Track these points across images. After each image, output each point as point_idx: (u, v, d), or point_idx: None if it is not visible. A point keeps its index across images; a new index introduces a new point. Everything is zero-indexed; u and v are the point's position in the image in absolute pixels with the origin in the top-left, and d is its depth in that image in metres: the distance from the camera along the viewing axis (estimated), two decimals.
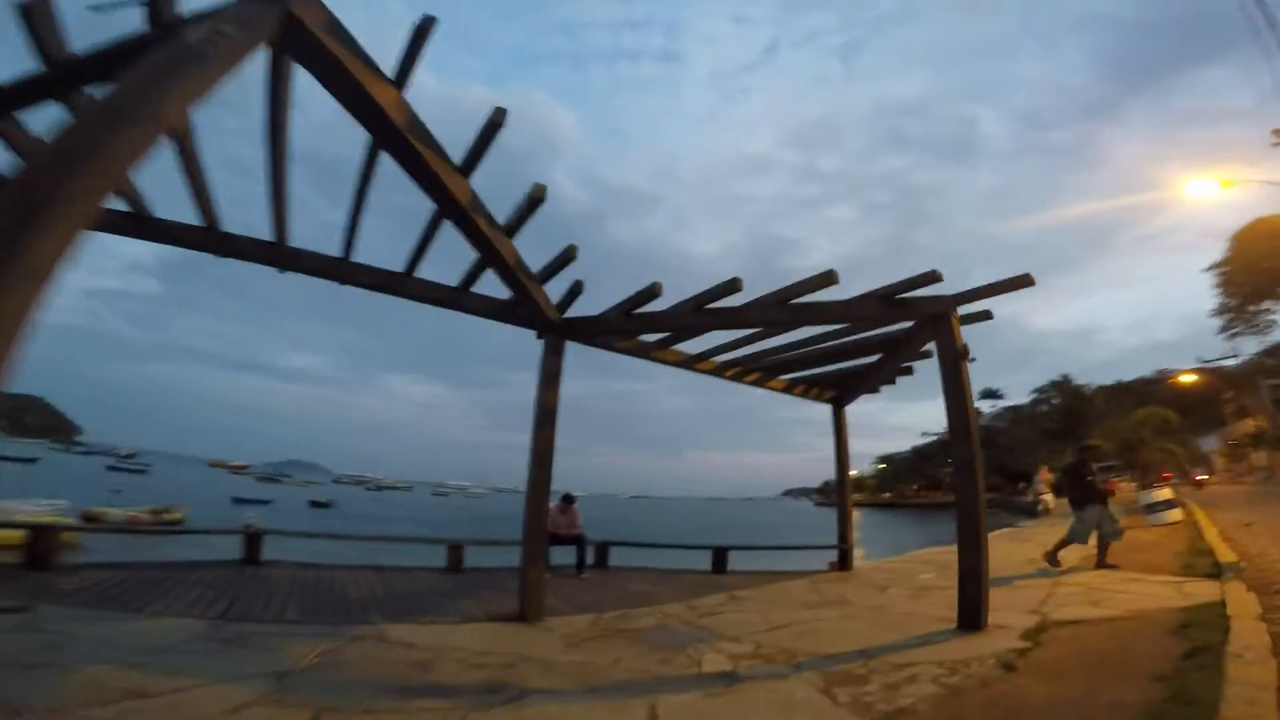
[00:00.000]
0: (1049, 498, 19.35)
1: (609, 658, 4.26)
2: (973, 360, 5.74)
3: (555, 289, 5.91)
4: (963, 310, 5.81)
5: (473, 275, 5.52)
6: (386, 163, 3.69)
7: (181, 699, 3.13)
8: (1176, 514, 12.87)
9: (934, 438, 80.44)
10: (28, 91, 3.15)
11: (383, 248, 5.45)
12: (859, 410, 8.67)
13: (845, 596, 6.56)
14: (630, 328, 6.61)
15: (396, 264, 5.45)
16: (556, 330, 6.13)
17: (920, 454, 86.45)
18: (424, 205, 4.45)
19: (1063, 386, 56.84)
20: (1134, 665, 3.67)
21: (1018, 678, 3.63)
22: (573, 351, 6.32)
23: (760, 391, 8.94)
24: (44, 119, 3.44)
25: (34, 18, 2.90)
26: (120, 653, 3.79)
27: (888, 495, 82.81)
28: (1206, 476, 34.35)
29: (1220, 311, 46.36)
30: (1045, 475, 20.87)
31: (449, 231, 4.59)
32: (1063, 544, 7.99)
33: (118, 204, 4.63)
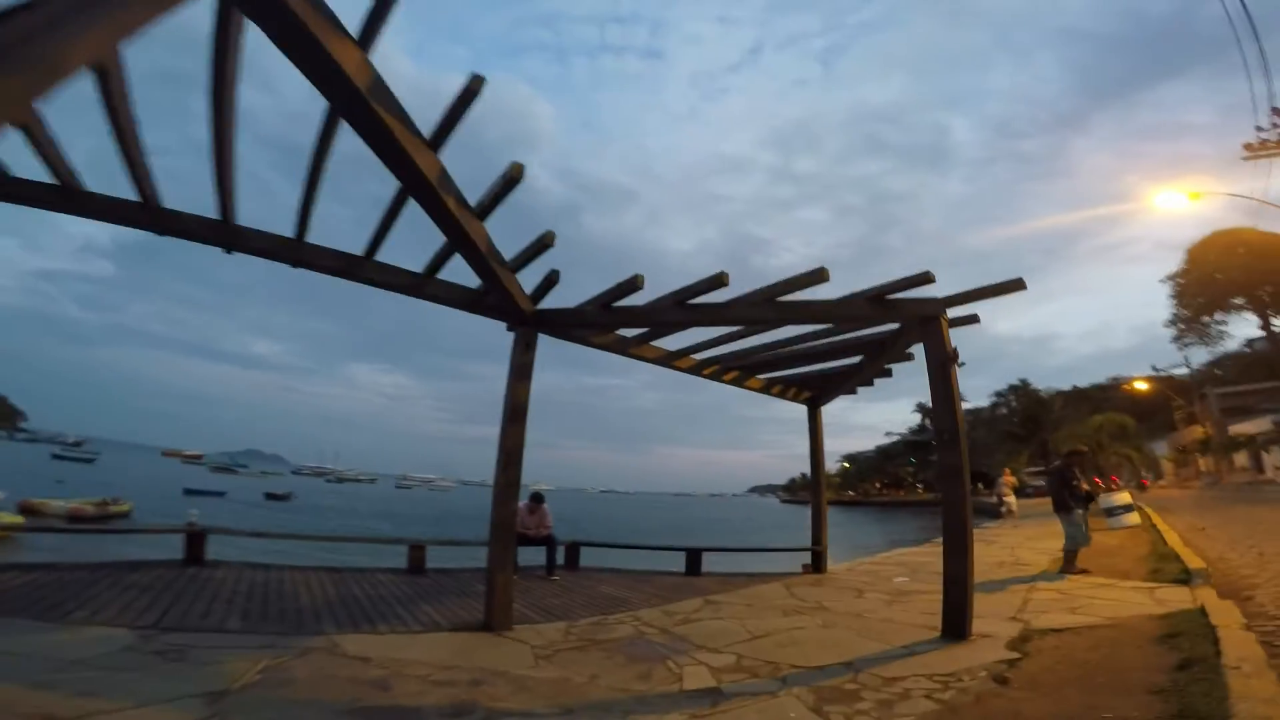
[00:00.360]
0: (1012, 499, 19.70)
1: (585, 673, 3.99)
2: (961, 365, 5.63)
3: (528, 280, 5.60)
4: (951, 314, 5.69)
5: (439, 260, 5.14)
6: (357, 146, 3.33)
7: None
8: (1135, 517, 13.16)
9: (897, 438, 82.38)
10: None
11: (352, 236, 5.05)
12: (825, 409, 8.71)
13: (822, 602, 6.40)
14: (608, 322, 6.33)
15: (360, 250, 5.05)
16: (529, 322, 5.81)
17: (884, 453, 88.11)
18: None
19: (1021, 391, 58.59)
20: (1127, 677, 3.59)
21: (1012, 692, 3.49)
22: (545, 343, 6.02)
23: (730, 389, 8.76)
24: None
25: None
26: (29, 668, 3.38)
27: (850, 493, 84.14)
28: (1149, 481, 35.67)
29: (1174, 322, 48.42)
30: (1008, 478, 21.23)
31: (418, 216, 4.23)
32: (1072, 552, 7.94)
33: (45, 177, 4.17)
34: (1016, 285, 5.48)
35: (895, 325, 6.40)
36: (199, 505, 23.47)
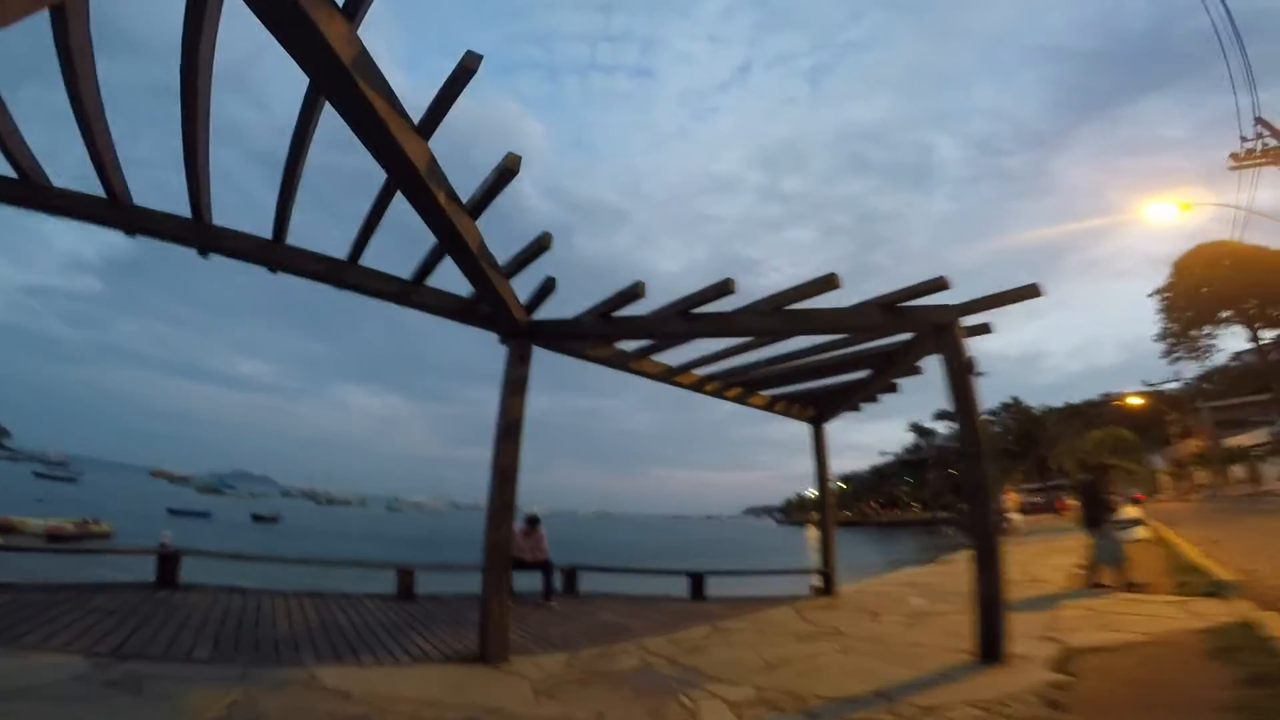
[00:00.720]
0: (1017, 516, 19.39)
1: (589, 710, 3.61)
2: (980, 375, 5.37)
3: (521, 291, 5.31)
4: (962, 323, 5.45)
5: (428, 265, 4.84)
6: (352, 160, 3.08)
7: None
8: (1143, 531, 13.01)
9: (892, 457, 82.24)
10: None
11: (341, 250, 4.76)
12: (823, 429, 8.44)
13: (837, 626, 6.05)
14: (607, 332, 6.04)
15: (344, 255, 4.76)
16: (523, 334, 5.50)
17: (879, 473, 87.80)
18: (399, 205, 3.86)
19: (1013, 409, 58.81)
20: (1188, 695, 3.35)
21: (1069, 717, 3.17)
22: (535, 363, 5.58)
23: (724, 409, 8.56)
24: None
25: None
26: None
27: (847, 514, 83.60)
28: (1143, 495, 35.62)
29: (1163, 337, 48.66)
30: (1011, 496, 20.95)
31: (406, 221, 3.95)
32: (1117, 568, 7.65)
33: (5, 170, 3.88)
34: (1031, 292, 5.27)
35: (904, 337, 6.16)
36: (183, 526, 22.84)
